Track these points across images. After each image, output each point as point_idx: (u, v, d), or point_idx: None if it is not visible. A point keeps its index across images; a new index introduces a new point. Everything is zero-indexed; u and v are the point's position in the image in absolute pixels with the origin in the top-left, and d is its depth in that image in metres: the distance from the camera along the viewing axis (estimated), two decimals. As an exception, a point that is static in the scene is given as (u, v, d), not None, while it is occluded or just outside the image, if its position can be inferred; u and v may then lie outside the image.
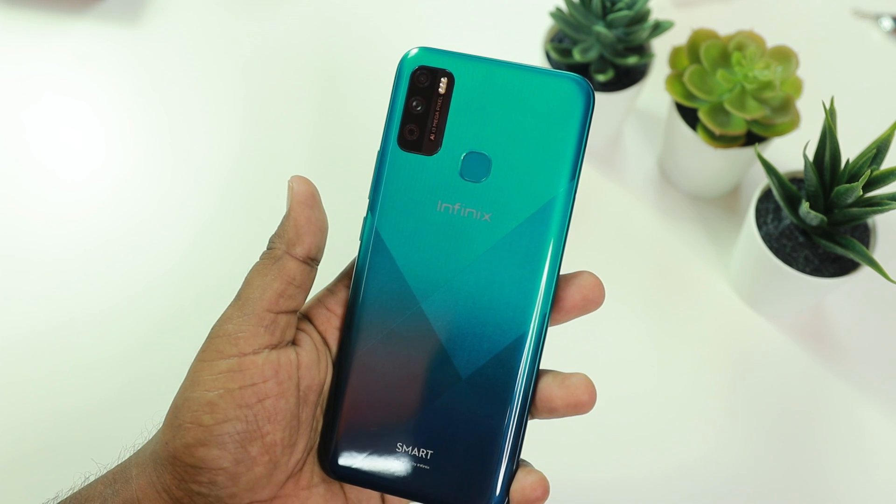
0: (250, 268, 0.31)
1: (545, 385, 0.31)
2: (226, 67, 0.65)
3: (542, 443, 0.40)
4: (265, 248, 0.32)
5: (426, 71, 0.32)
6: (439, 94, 0.31)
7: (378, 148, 0.32)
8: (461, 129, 0.32)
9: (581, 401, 0.31)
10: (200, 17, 0.67)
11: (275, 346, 0.30)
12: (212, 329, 0.31)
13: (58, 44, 0.65)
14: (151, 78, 0.64)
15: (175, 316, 0.54)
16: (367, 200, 0.32)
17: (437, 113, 0.32)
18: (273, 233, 0.32)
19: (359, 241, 0.32)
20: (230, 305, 0.31)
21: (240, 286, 0.31)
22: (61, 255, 0.56)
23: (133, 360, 0.53)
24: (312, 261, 0.32)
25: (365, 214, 0.32)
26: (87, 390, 0.51)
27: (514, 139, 0.31)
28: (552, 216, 0.31)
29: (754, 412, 0.53)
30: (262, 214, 0.58)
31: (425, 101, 0.32)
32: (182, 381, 0.30)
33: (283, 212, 0.32)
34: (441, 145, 0.32)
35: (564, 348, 0.44)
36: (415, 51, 0.32)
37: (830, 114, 0.45)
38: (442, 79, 0.31)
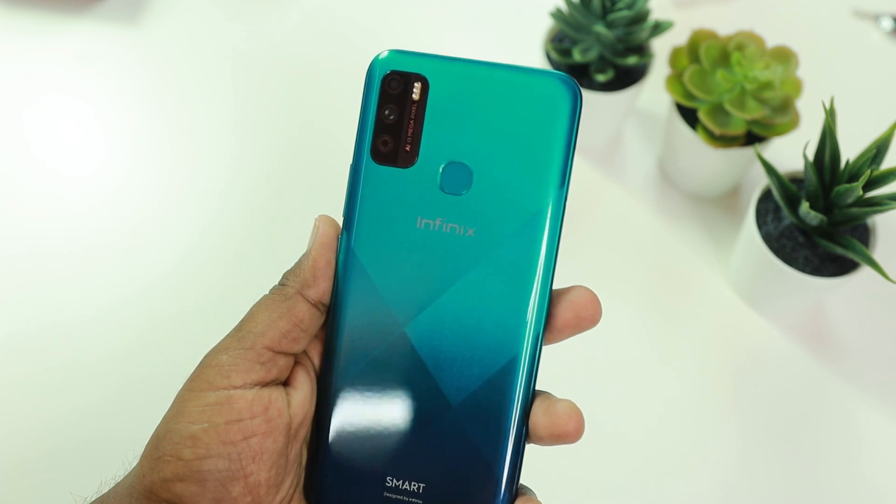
0: (257, 299, 0.30)
1: (532, 410, 0.30)
2: (225, 68, 0.65)
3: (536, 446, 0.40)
4: (276, 283, 0.30)
5: (397, 76, 0.29)
6: (413, 101, 0.29)
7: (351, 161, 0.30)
8: (439, 137, 0.29)
9: (565, 431, 0.29)
10: (200, 18, 0.67)
11: (266, 384, 0.29)
12: (205, 357, 0.29)
13: (58, 44, 0.65)
14: (151, 78, 0.64)
15: (174, 317, 0.54)
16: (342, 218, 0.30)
17: (411, 121, 0.29)
18: (287, 269, 0.30)
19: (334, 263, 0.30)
20: (228, 335, 0.29)
21: (243, 315, 0.30)
22: (60, 254, 0.56)
23: (131, 360, 0.52)
24: (323, 306, 0.30)
25: (340, 233, 0.30)
26: (86, 390, 0.51)
27: (496, 146, 0.29)
28: (541, 228, 0.29)
29: (754, 411, 0.53)
30: (262, 214, 0.58)
31: (398, 109, 0.29)
32: (167, 410, 0.29)
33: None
34: (418, 156, 0.29)
35: (563, 349, 0.44)
36: (384, 54, 0.30)
37: (830, 114, 0.45)
38: (415, 84, 0.29)
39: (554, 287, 0.30)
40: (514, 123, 0.29)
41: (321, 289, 0.30)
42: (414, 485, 0.29)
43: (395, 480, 0.30)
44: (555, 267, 0.29)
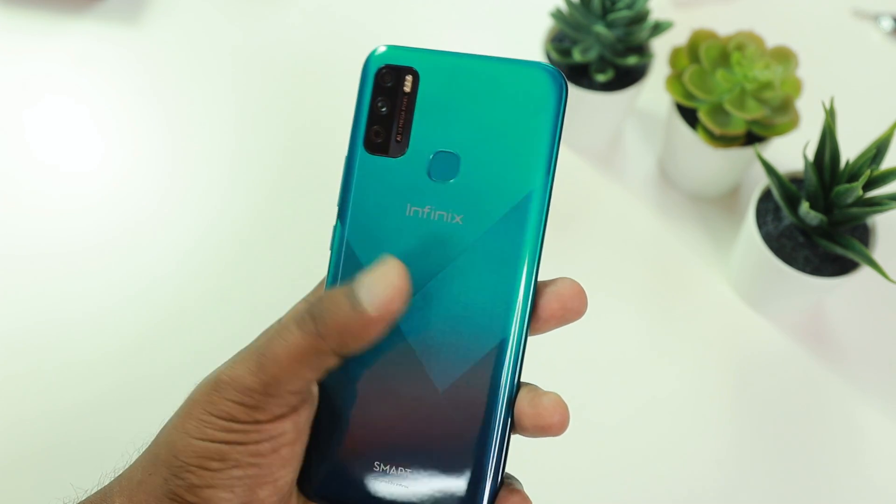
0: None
1: (518, 401, 0.29)
2: (225, 68, 0.65)
3: (530, 442, 0.40)
4: (308, 317, 0.27)
5: (390, 70, 0.30)
6: (404, 93, 0.30)
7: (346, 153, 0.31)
8: (428, 128, 0.30)
9: (549, 423, 0.28)
10: (200, 18, 0.67)
11: (296, 409, 0.28)
12: (218, 377, 0.27)
13: (58, 44, 0.65)
14: (151, 78, 0.64)
15: (176, 316, 0.54)
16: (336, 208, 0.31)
17: (402, 113, 0.30)
18: (318, 306, 0.27)
19: (329, 252, 0.31)
20: (251, 370, 0.27)
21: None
22: (62, 253, 0.56)
23: (132, 359, 0.52)
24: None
25: (335, 223, 0.31)
26: (87, 387, 0.51)
27: (483, 135, 0.30)
28: (527, 214, 0.29)
29: (753, 411, 0.53)
30: (263, 213, 0.58)
31: (390, 101, 0.30)
32: (176, 413, 0.28)
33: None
34: (408, 146, 0.30)
35: (562, 348, 0.44)
36: (381, 49, 0.31)
37: (830, 114, 0.45)
38: (406, 77, 0.30)
39: (541, 279, 0.30)
40: (502, 113, 0.30)
41: (357, 350, 0.27)
42: (400, 469, 0.30)
43: (381, 465, 0.30)
44: (541, 253, 0.30)
